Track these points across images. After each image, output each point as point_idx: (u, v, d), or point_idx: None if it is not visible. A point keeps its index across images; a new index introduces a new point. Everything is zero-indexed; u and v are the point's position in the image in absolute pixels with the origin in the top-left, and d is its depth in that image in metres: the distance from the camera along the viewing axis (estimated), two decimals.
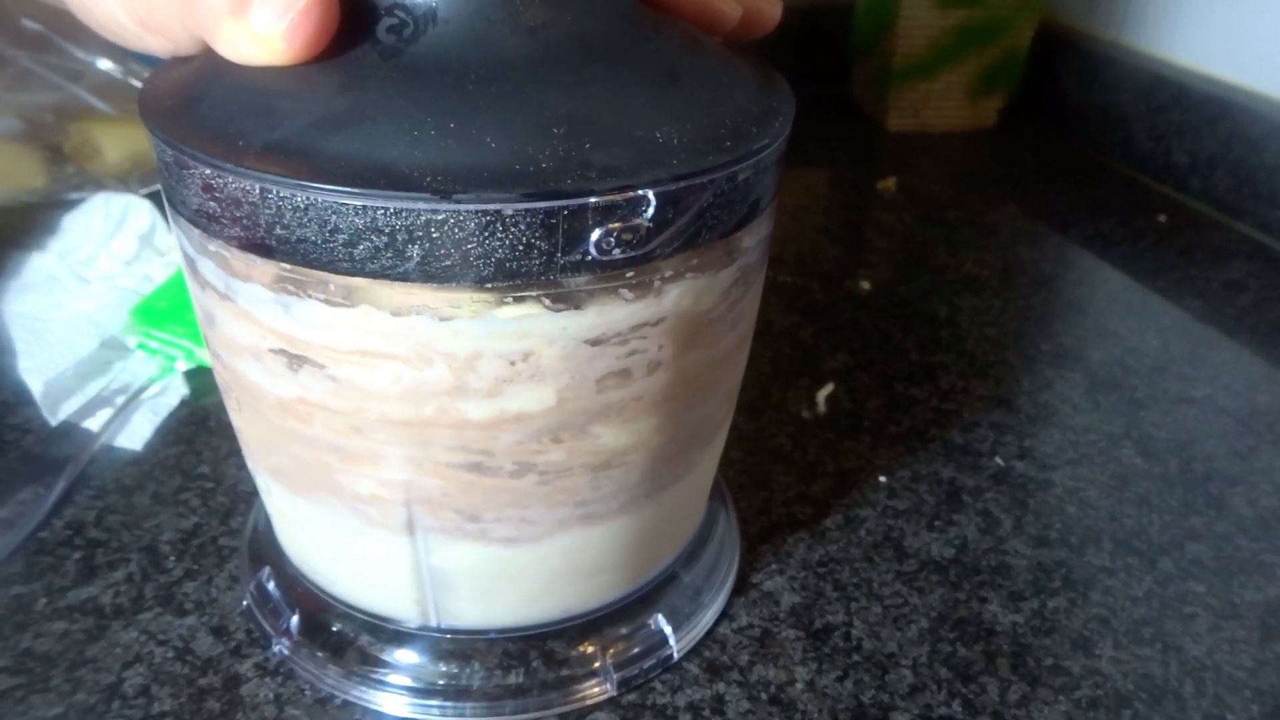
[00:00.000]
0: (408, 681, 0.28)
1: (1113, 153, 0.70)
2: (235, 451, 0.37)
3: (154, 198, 0.50)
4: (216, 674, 0.29)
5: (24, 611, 0.30)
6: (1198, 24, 0.65)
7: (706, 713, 0.28)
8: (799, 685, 0.29)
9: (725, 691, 0.29)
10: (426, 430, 0.23)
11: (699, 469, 0.29)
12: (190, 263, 0.24)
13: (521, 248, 0.20)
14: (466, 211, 0.19)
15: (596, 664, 0.29)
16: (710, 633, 0.31)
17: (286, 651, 0.29)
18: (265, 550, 0.31)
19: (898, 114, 0.74)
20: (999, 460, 0.40)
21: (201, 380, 0.41)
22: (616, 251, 0.21)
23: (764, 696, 0.29)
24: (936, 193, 0.65)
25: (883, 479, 0.38)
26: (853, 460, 0.39)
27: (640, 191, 0.20)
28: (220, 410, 0.39)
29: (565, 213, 0.20)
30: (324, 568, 0.29)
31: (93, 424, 0.38)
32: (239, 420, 0.27)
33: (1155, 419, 0.42)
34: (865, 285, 0.53)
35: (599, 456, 0.25)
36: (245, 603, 0.30)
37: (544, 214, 0.20)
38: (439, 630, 0.28)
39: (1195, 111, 0.63)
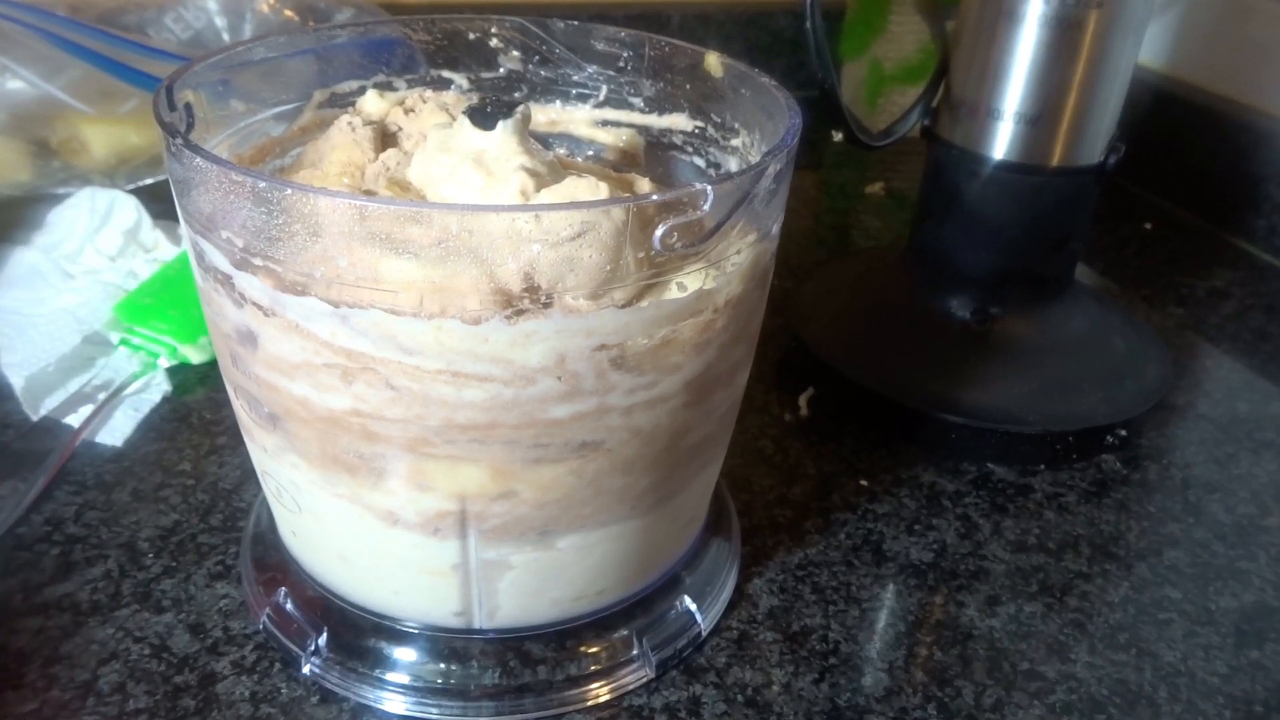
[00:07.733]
0: (455, 686, 0.28)
1: None
2: (216, 449, 0.37)
3: (140, 193, 0.49)
4: (192, 671, 0.29)
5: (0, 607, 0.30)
6: (1184, 35, 0.65)
7: (683, 714, 0.28)
8: (775, 688, 0.30)
9: (702, 693, 0.29)
10: (491, 431, 0.23)
11: (724, 448, 0.30)
12: (224, 280, 0.23)
13: None
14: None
15: (635, 650, 0.29)
16: (728, 611, 0.32)
17: (318, 670, 0.28)
18: (275, 571, 0.31)
19: (887, 119, 0.74)
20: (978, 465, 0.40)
21: (184, 377, 0.41)
22: (678, 245, 0.22)
23: (740, 699, 0.29)
24: None
25: (863, 482, 0.38)
26: (834, 464, 0.39)
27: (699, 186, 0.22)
28: (202, 408, 0.40)
29: (634, 210, 0.22)
30: (360, 582, 0.29)
31: (74, 420, 0.37)
32: (270, 439, 0.26)
33: (1135, 424, 0.43)
34: None
35: (659, 443, 0.25)
36: (261, 626, 0.30)
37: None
38: (483, 632, 0.28)
39: (1182, 120, 0.64)
